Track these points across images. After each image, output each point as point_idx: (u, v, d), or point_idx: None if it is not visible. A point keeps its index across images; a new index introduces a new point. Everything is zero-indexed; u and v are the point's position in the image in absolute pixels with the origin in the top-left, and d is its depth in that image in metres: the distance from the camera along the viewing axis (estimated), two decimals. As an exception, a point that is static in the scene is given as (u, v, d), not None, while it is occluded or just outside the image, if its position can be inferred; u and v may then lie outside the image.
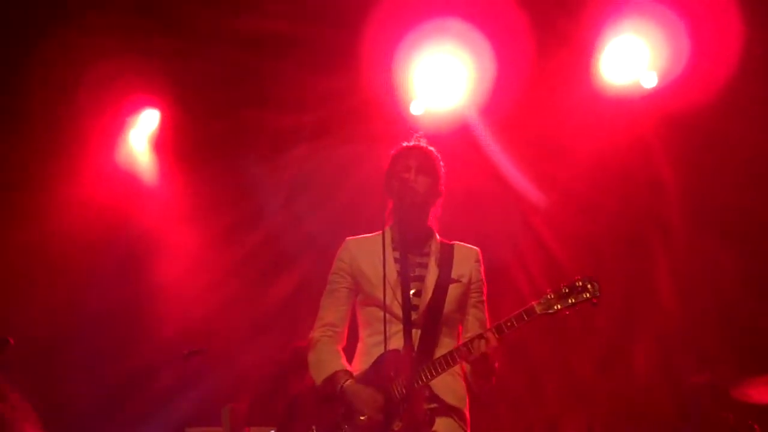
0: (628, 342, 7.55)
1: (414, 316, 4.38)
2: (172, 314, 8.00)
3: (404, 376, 4.24)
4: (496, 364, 4.30)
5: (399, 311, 4.37)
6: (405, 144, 4.65)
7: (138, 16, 7.57)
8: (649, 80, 7.44)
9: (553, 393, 7.67)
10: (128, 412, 7.83)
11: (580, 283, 4.18)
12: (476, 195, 7.55)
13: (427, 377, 4.25)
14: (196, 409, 7.58)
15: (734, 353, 7.07)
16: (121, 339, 8.00)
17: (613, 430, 7.46)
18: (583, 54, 7.52)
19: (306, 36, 7.63)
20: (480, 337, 4.20)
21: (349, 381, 4.34)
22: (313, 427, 4.41)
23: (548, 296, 4.21)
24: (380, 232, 4.39)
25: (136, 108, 8.28)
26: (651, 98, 7.48)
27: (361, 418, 4.24)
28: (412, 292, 4.41)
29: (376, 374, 4.31)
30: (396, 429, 4.18)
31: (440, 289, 4.43)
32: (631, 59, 7.46)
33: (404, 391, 4.23)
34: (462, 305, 4.52)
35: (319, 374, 4.45)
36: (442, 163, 4.62)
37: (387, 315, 4.26)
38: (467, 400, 4.47)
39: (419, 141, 4.66)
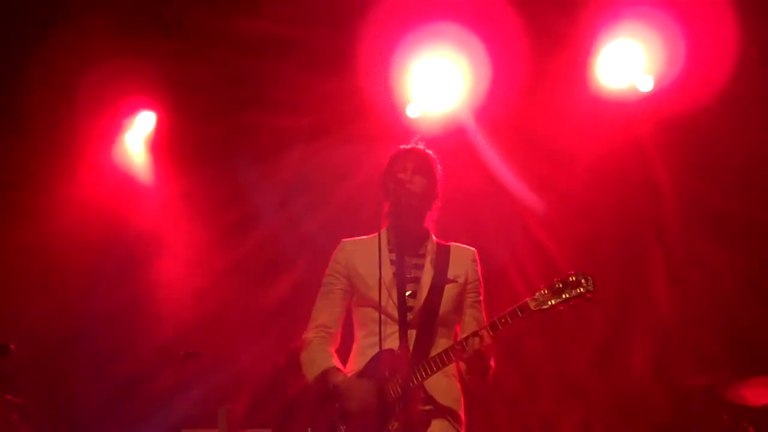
0: (624, 343, 7.56)
1: (409, 316, 4.37)
2: (168, 316, 8.01)
3: (399, 375, 4.23)
4: (492, 362, 4.30)
5: (394, 312, 4.37)
6: (403, 146, 4.66)
7: (135, 19, 7.58)
8: (646, 84, 7.46)
9: (549, 393, 7.68)
10: (125, 413, 7.83)
11: (574, 278, 4.16)
12: (472, 197, 7.56)
13: (422, 376, 4.24)
14: (192, 410, 7.58)
15: (730, 355, 7.09)
16: (118, 340, 8.00)
17: (608, 431, 7.47)
18: (579, 58, 7.54)
19: (303, 38, 7.65)
20: (474, 334, 4.19)
21: (340, 377, 4.33)
22: (309, 429, 4.41)
23: (542, 292, 4.19)
24: (376, 233, 4.37)
25: (132, 110, 8.28)
26: (647, 102, 7.50)
27: (355, 413, 4.22)
28: (408, 293, 4.41)
29: (371, 374, 4.29)
30: (392, 429, 4.17)
31: (436, 289, 4.42)
32: (628, 63, 7.48)
33: (399, 391, 4.22)
34: (458, 305, 4.51)
35: (311, 372, 4.43)
36: (439, 166, 4.63)
37: (382, 316, 4.25)
38: (462, 401, 4.46)
39: (417, 143, 4.67)
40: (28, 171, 7.94)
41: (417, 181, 4.49)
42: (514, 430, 7.58)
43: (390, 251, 4.49)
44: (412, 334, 4.36)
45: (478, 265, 4.60)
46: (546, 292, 4.19)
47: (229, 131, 8.20)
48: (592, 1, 7.27)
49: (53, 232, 7.83)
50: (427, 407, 4.29)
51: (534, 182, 7.73)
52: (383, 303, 4.27)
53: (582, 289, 4.15)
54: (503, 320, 4.19)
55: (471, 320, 4.52)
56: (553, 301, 4.18)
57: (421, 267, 4.50)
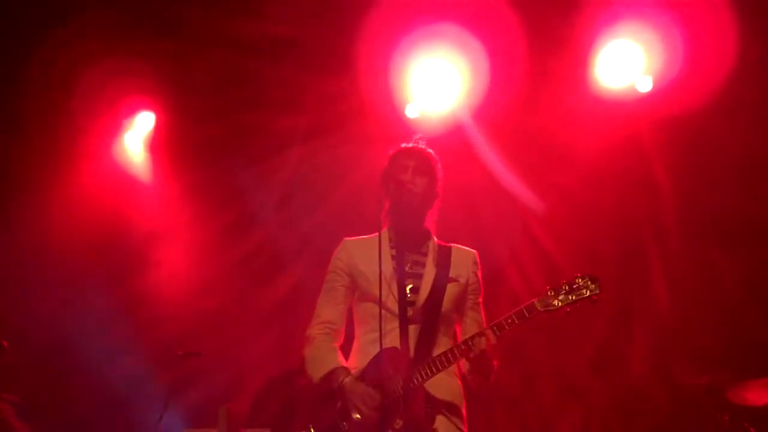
0: (624, 343, 7.56)
1: (410, 312, 4.38)
2: (167, 316, 7.99)
3: (402, 373, 4.24)
4: (495, 362, 4.31)
5: (395, 306, 4.38)
6: (404, 145, 4.66)
7: (134, 19, 7.57)
8: (645, 84, 7.46)
9: (549, 393, 7.68)
10: (124, 413, 7.82)
11: (581, 281, 4.20)
12: (471, 198, 7.56)
13: (426, 374, 4.25)
14: (192, 410, 7.57)
15: (730, 355, 7.08)
16: (119, 340, 7.98)
17: (608, 430, 7.47)
18: (578, 58, 7.54)
19: (302, 39, 7.65)
20: (480, 334, 4.21)
21: (348, 378, 4.33)
22: (311, 426, 4.40)
23: (549, 293, 4.22)
24: (378, 233, 4.38)
25: (132, 110, 8.28)
26: (646, 102, 7.51)
27: (358, 416, 4.24)
28: (409, 287, 4.42)
29: (374, 372, 4.30)
30: (397, 428, 4.18)
31: (438, 287, 4.44)
32: (627, 63, 7.48)
33: (403, 389, 4.23)
34: (459, 305, 4.52)
35: (316, 371, 4.44)
36: (440, 165, 4.63)
37: (382, 311, 4.26)
38: (464, 398, 4.47)
39: (419, 143, 4.67)
40: (27, 170, 7.93)
41: (417, 181, 4.51)
42: (514, 430, 7.57)
43: (391, 248, 4.50)
44: (414, 330, 4.38)
45: (479, 267, 4.62)
46: (553, 293, 4.22)
47: (228, 131, 8.20)
48: (591, 2, 7.26)
49: (51, 231, 7.83)
50: (430, 405, 4.30)
51: (533, 182, 7.73)
52: (383, 298, 4.29)
53: (589, 292, 4.18)
54: (509, 320, 4.20)
55: (471, 322, 4.54)
56: (560, 303, 4.20)
57: (422, 264, 4.51)
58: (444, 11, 7.49)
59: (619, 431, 7.46)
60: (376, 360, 4.31)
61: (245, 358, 7.88)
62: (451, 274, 4.49)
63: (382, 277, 4.27)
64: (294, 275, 7.93)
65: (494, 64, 7.57)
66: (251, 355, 7.85)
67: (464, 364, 4.42)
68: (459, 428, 4.39)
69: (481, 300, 4.62)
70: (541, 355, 7.65)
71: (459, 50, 7.64)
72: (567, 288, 4.20)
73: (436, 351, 4.34)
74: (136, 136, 8.40)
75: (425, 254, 4.54)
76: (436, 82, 7.74)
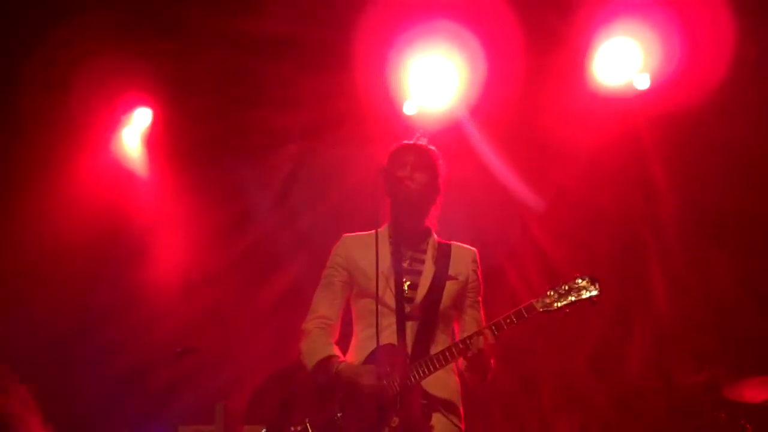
0: (622, 341, 7.57)
1: (408, 308, 4.38)
2: (165, 312, 7.99)
3: (399, 370, 4.24)
4: (492, 361, 4.31)
5: (392, 302, 4.37)
6: (405, 141, 4.66)
7: (132, 16, 7.56)
8: (642, 82, 7.46)
9: (546, 392, 7.68)
10: (122, 409, 7.82)
11: (581, 281, 4.21)
12: (470, 196, 7.55)
13: (424, 372, 4.25)
14: (189, 406, 7.57)
15: (727, 352, 7.10)
16: (115, 337, 7.98)
17: (606, 430, 7.48)
18: (576, 55, 7.53)
19: (299, 36, 7.63)
20: (479, 333, 4.21)
21: (343, 364, 4.33)
22: (307, 420, 4.39)
23: (549, 294, 4.23)
24: (376, 230, 4.38)
25: (130, 106, 8.28)
26: (644, 99, 7.51)
27: (356, 399, 4.21)
28: (407, 284, 4.42)
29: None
30: (393, 425, 4.17)
31: (437, 284, 4.44)
32: (624, 61, 7.47)
33: (399, 387, 4.22)
34: (458, 303, 4.52)
35: (311, 359, 4.42)
36: (441, 161, 4.63)
37: (380, 307, 4.26)
38: (461, 396, 4.47)
39: (419, 139, 4.67)
40: (24, 167, 7.92)
41: (417, 177, 4.50)
42: (512, 429, 7.58)
43: (390, 244, 4.50)
44: (412, 327, 4.37)
45: (479, 265, 4.62)
46: (553, 293, 4.23)
47: (225, 128, 8.20)
48: (589, -1, 7.28)
49: (49, 227, 7.81)
50: (427, 402, 4.29)
51: (531, 179, 7.73)
52: (380, 293, 4.29)
53: (589, 294, 4.19)
54: (508, 320, 4.21)
55: (471, 321, 4.54)
56: (559, 303, 4.22)
57: (421, 261, 4.51)
58: (441, 8, 7.49)
59: (617, 429, 7.46)
60: (373, 356, 4.31)
61: (243, 354, 7.87)
62: (451, 271, 4.49)
63: (380, 272, 4.26)
64: (292, 272, 7.92)
65: (491, 61, 7.55)
66: (249, 352, 7.84)
67: (461, 362, 4.42)
68: (456, 426, 4.38)
69: (480, 298, 4.62)
70: (538, 354, 7.65)
71: (456, 47, 7.63)
72: (567, 289, 4.22)
73: (434, 348, 4.33)
74: (134, 133, 8.39)
75: (424, 251, 4.54)
76: (433, 79, 7.73)
